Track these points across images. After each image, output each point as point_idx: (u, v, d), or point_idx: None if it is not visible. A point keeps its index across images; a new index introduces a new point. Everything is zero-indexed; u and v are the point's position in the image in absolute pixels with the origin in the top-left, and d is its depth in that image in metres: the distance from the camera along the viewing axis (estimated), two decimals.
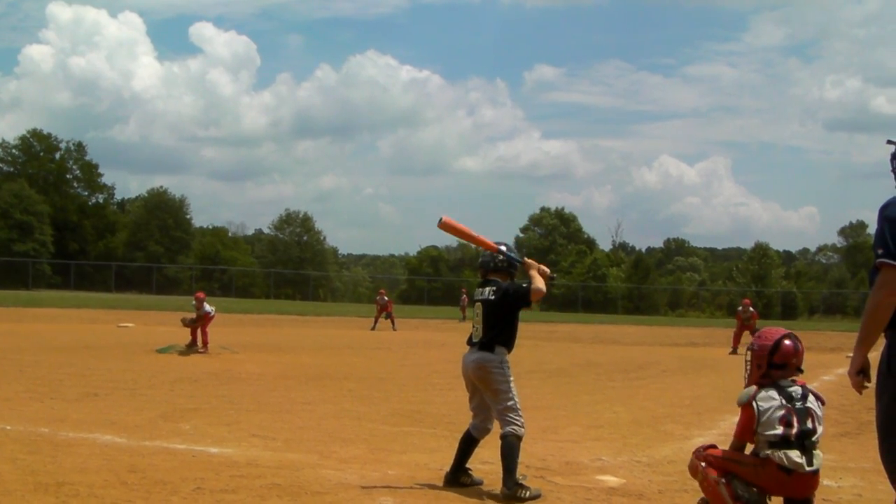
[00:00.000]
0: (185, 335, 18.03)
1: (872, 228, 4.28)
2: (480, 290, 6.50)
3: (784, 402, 5.08)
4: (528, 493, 6.00)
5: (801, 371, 5.26)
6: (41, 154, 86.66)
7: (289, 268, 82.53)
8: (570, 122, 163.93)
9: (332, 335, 27.52)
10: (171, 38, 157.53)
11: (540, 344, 25.34)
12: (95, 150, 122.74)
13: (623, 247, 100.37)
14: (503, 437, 6.15)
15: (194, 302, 18.65)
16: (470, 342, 6.44)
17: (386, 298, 33.44)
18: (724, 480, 5.16)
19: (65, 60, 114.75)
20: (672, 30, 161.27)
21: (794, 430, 5.02)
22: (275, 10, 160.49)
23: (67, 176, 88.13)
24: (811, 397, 5.16)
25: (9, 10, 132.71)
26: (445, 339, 27.19)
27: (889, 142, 4.35)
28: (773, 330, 5.37)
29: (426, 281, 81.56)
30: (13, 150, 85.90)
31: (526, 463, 7.11)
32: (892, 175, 4.36)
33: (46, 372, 13.14)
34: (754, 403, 5.12)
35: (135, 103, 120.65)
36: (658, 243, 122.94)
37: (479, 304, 6.41)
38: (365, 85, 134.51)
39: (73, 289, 66.88)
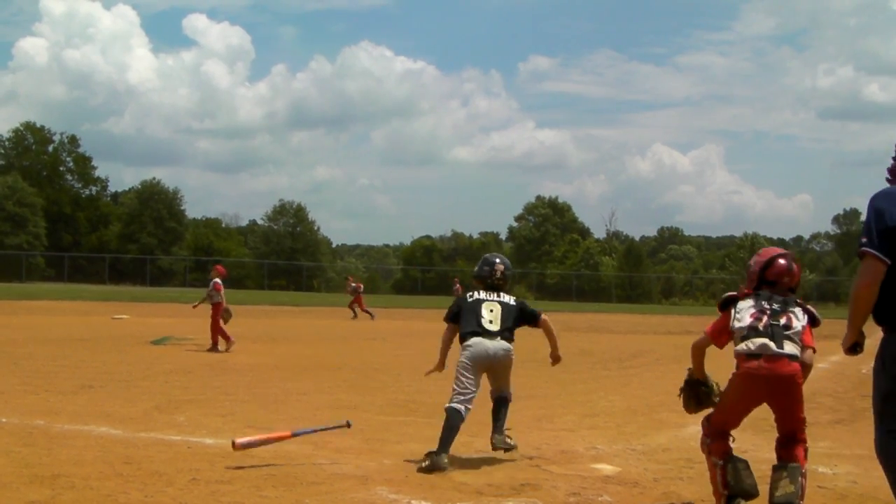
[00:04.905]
0: (179, 326, 17.85)
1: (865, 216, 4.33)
2: (491, 293, 7.22)
3: (762, 303, 5.15)
4: (512, 442, 7.04)
5: (793, 292, 5.29)
6: (34, 147, 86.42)
7: (282, 258, 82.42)
8: (563, 112, 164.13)
9: (326, 325, 27.50)
10: (165, 30, 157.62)
11: (534, 333, 25.31)
12: (90, 142, 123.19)
13: (617, 235, 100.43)
14: (503, 398, 7.13)
15: (214, 283, 17.06)
16: (484, 332, 6.91)
17: (353, 284, 32.18)
18: (721, 463, 5.18)
19: (59, 53, 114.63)
20: (662, 19, 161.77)
21: (763, 323, 5.06)
22: (267, 1, 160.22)
23: (61, 168, 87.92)
24: (795, 306, 5.18)
25: (2, 3, 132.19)
26: (440, 328, 27.15)
27: None
28: (771, 249, 5.48)
29: (420, 271, 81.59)
30: (6, 143, 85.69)
31: (521, 452, 7.17)
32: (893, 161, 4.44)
33: (41, 364, 13.10)
34: (733, 305, 5.26)
35: (129, 96, 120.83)
36: (652, 232, 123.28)
37: (496, 303, 7.10)
38: (359, 76, 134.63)
39: (67, 281, 66.79)
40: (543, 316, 7.34)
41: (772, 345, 4.96)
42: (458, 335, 7.11)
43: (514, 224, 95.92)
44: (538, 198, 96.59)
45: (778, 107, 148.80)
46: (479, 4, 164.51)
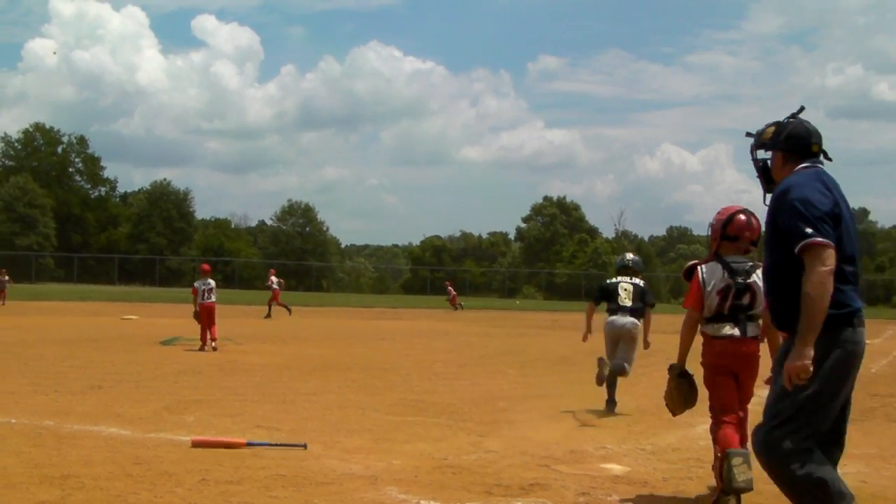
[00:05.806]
0: (188, 326, 17.82)
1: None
2: (625, 277, 9.94)
3: (726, 275, 5.41)
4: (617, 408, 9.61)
5: (754, 245, 5.58)
6: (44, 148, 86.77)
7: (292, 259, 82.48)
8: (572, 112, 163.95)
9: (335, 325, 27.53)
10: (174, 31, 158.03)
11: (543, 332, 25.36)
12: (100, 143, 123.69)
13: (626, 235, 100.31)
14: (620, 368, 9.60)
15: (197, 283, 17.17)
16: (620, 308, 9.71)
17: (273, 279, 30.68)
18: (720, 455, 5.34)
19: (68, 55, 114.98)
20: (671, 19, 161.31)
21: (728, 304, 5.39)
22: (276, 2, 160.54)
23: (70, 169, 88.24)
24: (758, 273, 5.40)
25: (11, 4, 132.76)
26: (449, 328, 27.19)
27: (748, 134, 4.43)
28: (731, 207, 5.72)
29: (429, 271, 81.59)
30: (16, 144, 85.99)
31: (530, 452, 7.17)
32: (756, 169, 4.52)
33: (50, 365, 13.14)
34: (699, 269, 5.50)
35: (139, 97, 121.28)
36: (661, 231, 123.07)
37: (630, 284, 9.83)
38: (368, 76, 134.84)
39: (77, 282, 67.07)
40: (650, 309, 9.92)
41: (735, 332, 5.41)
42: (604, 308, 9.82)
43: (523, 224, 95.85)
44: (545, 198, 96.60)
45: (787, 106, 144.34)
46: (488, 4, 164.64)
